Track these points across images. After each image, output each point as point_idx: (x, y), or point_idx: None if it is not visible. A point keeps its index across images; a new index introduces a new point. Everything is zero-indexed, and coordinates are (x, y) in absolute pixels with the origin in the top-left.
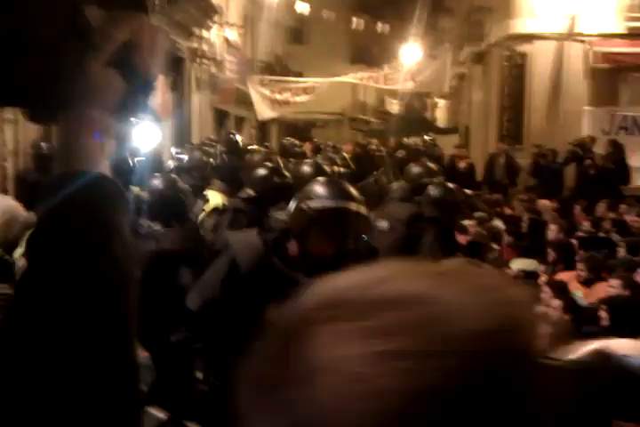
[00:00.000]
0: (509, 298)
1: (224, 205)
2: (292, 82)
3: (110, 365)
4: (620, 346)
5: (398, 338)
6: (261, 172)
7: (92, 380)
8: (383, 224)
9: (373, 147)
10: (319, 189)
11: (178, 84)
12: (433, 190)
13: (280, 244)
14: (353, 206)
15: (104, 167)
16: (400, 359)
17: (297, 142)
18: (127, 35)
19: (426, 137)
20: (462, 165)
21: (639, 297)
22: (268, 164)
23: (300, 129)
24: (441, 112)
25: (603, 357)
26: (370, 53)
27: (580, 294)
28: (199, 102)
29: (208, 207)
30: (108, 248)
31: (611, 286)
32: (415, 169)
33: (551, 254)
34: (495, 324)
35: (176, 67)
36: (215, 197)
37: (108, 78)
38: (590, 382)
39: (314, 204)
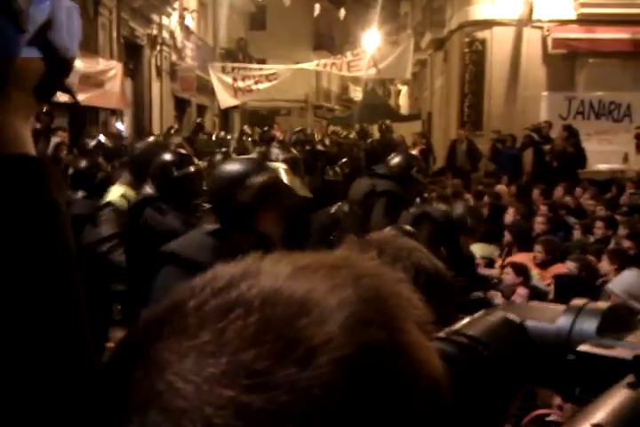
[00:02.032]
0: (369, 279)
1: (123, 197)
2: (255, 69)
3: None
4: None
5: (237, 353)
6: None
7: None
8: (344, 207)
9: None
10: (241, 168)
11: (137, 72)
12: (382, 167)
13: (226, 238)
14: (278, 174)
15: (31, 147)
16: (241, 379)
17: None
18: (46, 15)
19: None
20: (415, 151)
21: (592, 278)
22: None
23: (263, 117)
24: (404, 99)
25: (506, 323)
26: (332, 40)
27: (536, 275)
28: (159, 91)
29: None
30: (53, 227)
31: (567, 269)
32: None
33: (507, 236)
34: (355, 311)
35: (135, 54)
36: (115, 191)
37: (29, 59)
38: (485, 351)
39: (251, 182)
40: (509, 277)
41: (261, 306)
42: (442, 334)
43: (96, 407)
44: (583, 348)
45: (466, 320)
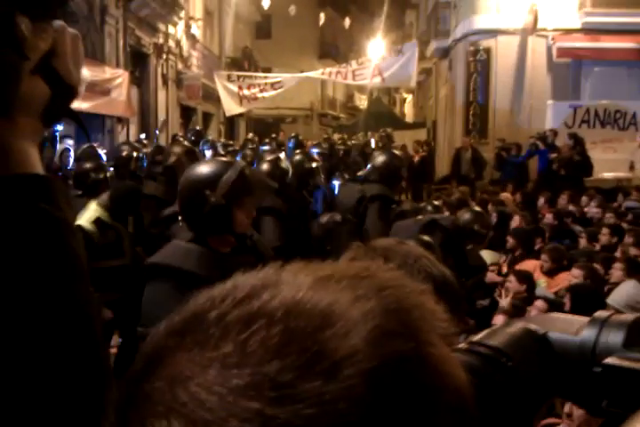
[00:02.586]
0: (394, 291)
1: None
2: (260, 77)
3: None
4: (546, 320)
5: (262, 365)
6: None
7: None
8: (336, 217)
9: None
10: (207, 169)
11: (143, 81)
12: (368, 171)
13: (205, 243)
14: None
15: (40, 168)
16: (266, 391)
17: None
18: (50, 43)
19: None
20: (416, 159)
21: (599, 286)
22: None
23: (268, 125)
24: (409, 107)
25: (528, 335)
26: (337, 49)
27: (542, 283)
28: (165, 99)
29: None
30: (62, 243)
31: (573, 276)
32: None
33: (510, 242)
34: (380, 322)
35: (141, 63)
36: (89, 214)
37: (35, 86)
38: (509, 364)
39: (221, 182)
40: (512, 284)
41: (284, 317)
42: (464, 345)
43: (116, 415)
44: (610, 361)
45: (488, 331)
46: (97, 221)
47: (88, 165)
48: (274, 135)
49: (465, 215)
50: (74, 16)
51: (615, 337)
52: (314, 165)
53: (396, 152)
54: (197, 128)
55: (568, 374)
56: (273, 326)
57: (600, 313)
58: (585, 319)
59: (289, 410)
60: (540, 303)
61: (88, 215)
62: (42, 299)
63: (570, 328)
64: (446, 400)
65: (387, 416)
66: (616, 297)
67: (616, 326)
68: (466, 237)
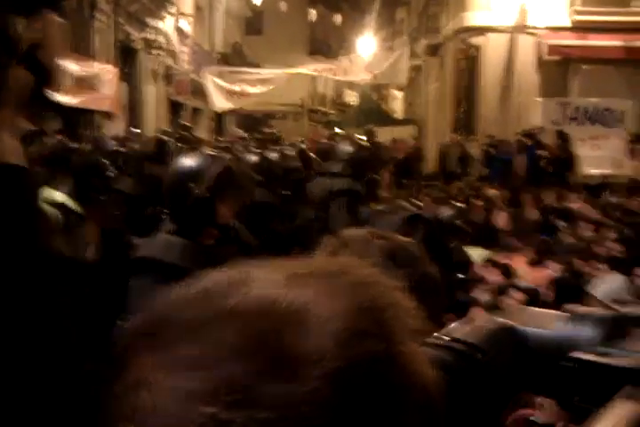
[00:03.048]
0: (367, 285)
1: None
2: (251, 73)
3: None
4: (524, 316)
5: (222, 367)
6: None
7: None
8: (309, 214)
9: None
10: (192, 162)
11: (132, 76)
12: (335, 164)
13: (188, 235)
14: (229, 162)
15: (17, 157)
16: (222, 395)
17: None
18: (39, 35)
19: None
20: (399, 156)
21: (580, 280)
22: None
23: (258, 120)
24: (398, 104)
25: (503, 330)
26: (328, 45)
27: (524, 275)
28: (154, 94)
29: None
30: (35, 231)
31: (553, 270)
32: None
33: (503, 241)
34: (354, 321)
35: (130, 58)
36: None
37: (18, 76)
38: (482, 357)
39: (206, 175)
40: (493, 276)
41: (250, 317)
42: (440, 341)
43: (80, 420)
44: (582, 355)
45: (464, 326)
46: (61, 207)
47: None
48: (266, 130)
49: (447, 211)
50: (62, 11)
51: (588, 332)
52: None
53: (363, 143)
54: (185, 123)
55: (541, 369)
56: (238, 327)
57: (573, 308)
58: (560, 314)
59: (246, 414)
60: (518, 295)
61: (51, 200)
62: (8, 284)
63: (544, 323)
64: (414, 399)
65: (352, 418)
66: (601, 290)
67: (589, 321)
68: (449, 233)
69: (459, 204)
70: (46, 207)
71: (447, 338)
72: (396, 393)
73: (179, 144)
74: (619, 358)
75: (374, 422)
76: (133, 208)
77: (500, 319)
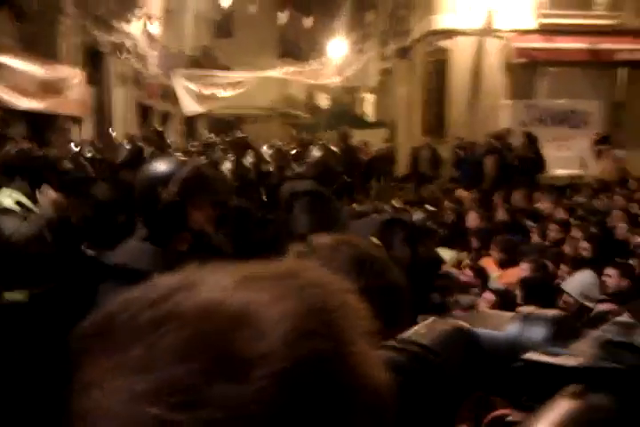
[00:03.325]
0: (316, 288)
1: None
2: (220, 77)
3: None
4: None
5: (167, 369)
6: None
7: None
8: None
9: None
10: (162, 167)
11: (99, 80)
12: (302, 167)
13: (160, 241)
14: (203, 167)
15: None
16: (167, 396)
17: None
18: None
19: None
20: (364, 158)
21: (549, 278)
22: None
23: (229, 124)
24: (369, 106)
25: (456, 332)
26: (298, 48)
27: (494, 276)
28: (123, 98)
29: None
30: None
31: (523, 270)
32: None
33: (474, 242)
34: (299, 323)
35: (97, 61)
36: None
37: None
38: (436, 359)
39: (175, 179)
40: (468, 279)
41: (196, 319)
42: (394, 343)
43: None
44: (531, 356)
45: (419, 328)
46: (18, 204)
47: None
48: (240, 134)
49: (418, 214)
50: (26, 14)
51: (537, 332)
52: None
53: (333, 148)
54: (156, 128)
55: (493, 370)
56: (183, 329)
57: (524, 309)
58: (512, 315)
59: (192, 415)
60: (488, 295)
61: (8, 199)
62: None
63: (497, 324)
64: (363, 400)
65: (300, 418)
66: (571, 285)
67: (539, 321)
68: (421, 236)
69: (430, 207)
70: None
71: (400, 340)
72: (345, 394)
73: (149, 148)
74: (567, 358)
75: (321, 423)
76: (104, 214)
77: (453, 321)
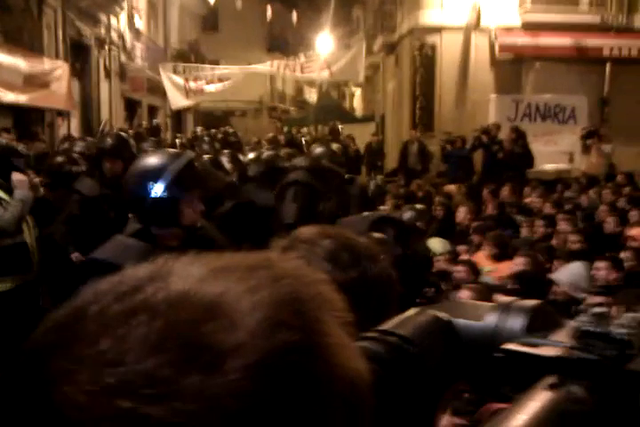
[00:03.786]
0: (287, 280)
1: None
2: (207, 69)
3: None
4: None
5: (138, 361)
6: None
7: None
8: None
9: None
10: (153, 160)
11: (84, 73)
12: (298, 159)
13: (151, 237)
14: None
15: None
16: (139, 389)
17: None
18: None
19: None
20: (351, 151)
21: (542, 272)
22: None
23: (217, 118)
24: (358, 101)
25: (435, 322)
26: (285, 43)
27: (487, 269)
28: (108, 91)
29: None
30: None
31: (516, 265)
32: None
33: (476, 238)
34: (271, 312)
35: (82, 55)
36: None
37: None
38: (413, 350)
39: (167, 173)
40: (462, 274)
41: (167, 311)
42: (371, 334)
43: None
44: (510, 346)
45: (397, 319)
46: None
47: (60, 158)
48: (230, 130)
49: (407, 213)
50: (10, 7)
51: (516, 323)
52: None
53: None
54: (156, 123)
55: (472, 360)
56: (154, 321)
57: (502, 299)
58: (490, 305)
59: (165, 408)
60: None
61: None
62: None
63: (475, 315)
64: (339, 391)
65: (274, 409)
66: (561, 276)
67: (517, 311)
68: (411, 234)
69: (419, 205)
70: None
71: (379, 331)
72: (319, 385)
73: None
74: (545, 349)
75: (296, 414)
76: (90, 210)
77: (432, 312)
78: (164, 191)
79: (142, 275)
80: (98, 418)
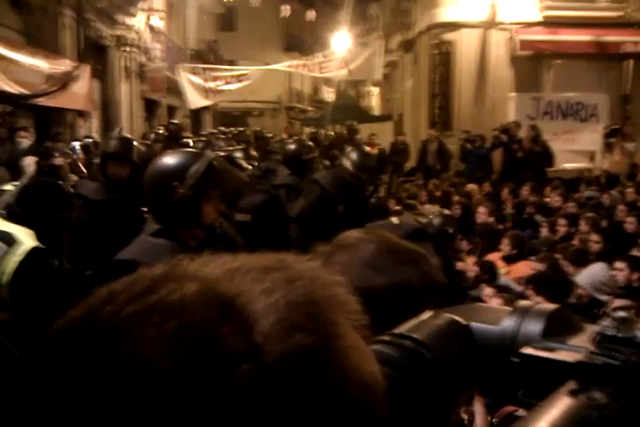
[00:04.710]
0: (302, 282)
1: None
2: (225, 70)
3: None
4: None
5: (152, 364)
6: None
7: None
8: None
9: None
10: (175, 160)
11: (104, 74)
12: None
13: (172, 237)
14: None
15: None
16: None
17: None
18: None
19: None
20: (374, 151)
21: (560, 272)
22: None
23: (235, 118)
24: (375, 100)
25: (451, 326)
26: (302, 42)
27: (502, 271)
28: (128, 92)
29: None
30: None
31: (533, 264)
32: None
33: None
34: (285, 316)
35: (101, 55)
36: None
37: None
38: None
39: (190, 174)
40: (476, 274)
41: (180, 312)
42: (386, 337)
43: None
44: (527, 350)
45: (412, 322)
46: None
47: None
48: (242, 129)
49: (436, 219)
50: (29, 7)
51: (534, 327)
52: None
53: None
54: (175, 121)
55: (489, 365)
56: (167, 322)
57: (521, 303)
58: (507, 309)
59: (177, 411)
60: (488, 290)
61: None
62: None
63: (492, 319)
64: (352, 395)
65: (287, 413)
66: (583, 278)
67: (536, 315)
68: (442, 241)
69: (446, 211)
70: None
71: (394, 334)
72: (333, 388)
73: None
74: (564, 353)
75: (309, 418)
76: (97, 214)
77: (448, 315)
78: (188, 191)
79: (156, 275)
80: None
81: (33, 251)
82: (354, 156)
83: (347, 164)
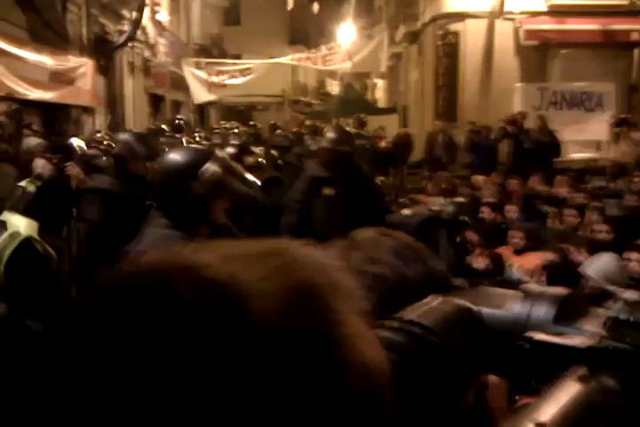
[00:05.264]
0: (303, 266)
1: None
2: (229, 64)
3: None
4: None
5: (153, 353)
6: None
7: None
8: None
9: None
10: (187, 157)
11: (109, 69)
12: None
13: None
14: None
15: None
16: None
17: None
18: None
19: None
20: (382, 144)
21: (571, 263)
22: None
23: (240, 112)
24: (381, 92)
25: (458, 311)
26: (307, 34)
27: (514, 265)
28: (133, 87)
29: None
30: None
31: (544, 255)
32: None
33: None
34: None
35: (106, 51)
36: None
37: None
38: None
39: (204, 173)
40: (483, 266)
41: (174, 300)
42: (392, 323)
43: None
44: (539, 336)
45: (418, 307)
46: None
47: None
48: (252, 123)
49: (449, 207)
50: (34, 3)
51: (545, 312)
52: None
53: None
54: (182, 117)
55: (499, 351)
56: (162, 312)
57: (530, 288)
58: (515, 294)
59: (176, 402)
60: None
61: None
62: None
63: (501, 303)
64: (355, 382)
65: (288, 402)
66: (593, 268)
67: (547, 300)
68: (455, 229)
69: (460, 199)
70: None
71: (399, 320)
72: (334, 375)
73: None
74: (574, 338)
75: (311, 405)
76: (115, 205)
77: (455, 300)
78: (201, 188)
79: (150, 263)
80: None
81: (26, 240)
82: (330, 134)
83: (324, 142)
